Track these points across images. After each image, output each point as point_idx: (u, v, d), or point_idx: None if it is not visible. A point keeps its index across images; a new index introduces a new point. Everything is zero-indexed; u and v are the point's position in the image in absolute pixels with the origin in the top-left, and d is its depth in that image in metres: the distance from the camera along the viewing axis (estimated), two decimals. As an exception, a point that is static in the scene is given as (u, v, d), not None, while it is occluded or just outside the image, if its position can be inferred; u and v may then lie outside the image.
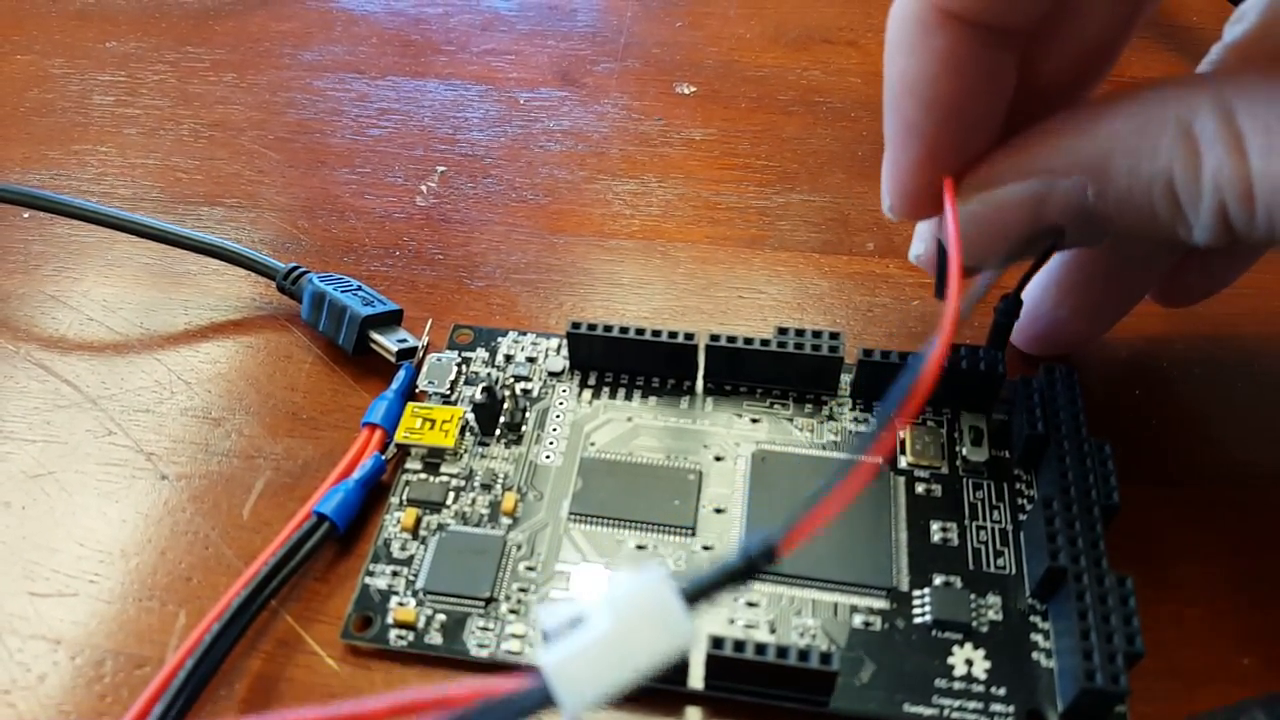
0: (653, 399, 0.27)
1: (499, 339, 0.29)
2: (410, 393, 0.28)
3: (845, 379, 0.27)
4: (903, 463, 0.26)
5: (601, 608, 0.17)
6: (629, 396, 0.28)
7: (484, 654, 0.23)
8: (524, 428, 0.27)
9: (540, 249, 0.33)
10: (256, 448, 0.27)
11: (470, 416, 0.27)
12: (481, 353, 0.29)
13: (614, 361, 0.28)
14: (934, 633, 0.23)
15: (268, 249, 0.32)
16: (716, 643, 0.21)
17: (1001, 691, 0.22)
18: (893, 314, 0.30)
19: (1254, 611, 0.23)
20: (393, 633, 0.23)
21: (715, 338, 0.26)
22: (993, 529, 0.24)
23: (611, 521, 0.25)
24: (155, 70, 0.40)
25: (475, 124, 0.37)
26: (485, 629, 0.23)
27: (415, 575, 0.24)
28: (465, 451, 0.27)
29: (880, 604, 0.23)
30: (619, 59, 0.40)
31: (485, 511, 0.25)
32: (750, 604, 0.23)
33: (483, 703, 0.16)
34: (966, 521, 0.25)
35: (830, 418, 0.27)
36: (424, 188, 0.35)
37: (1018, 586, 0.23)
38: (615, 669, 0.16)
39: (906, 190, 0.22)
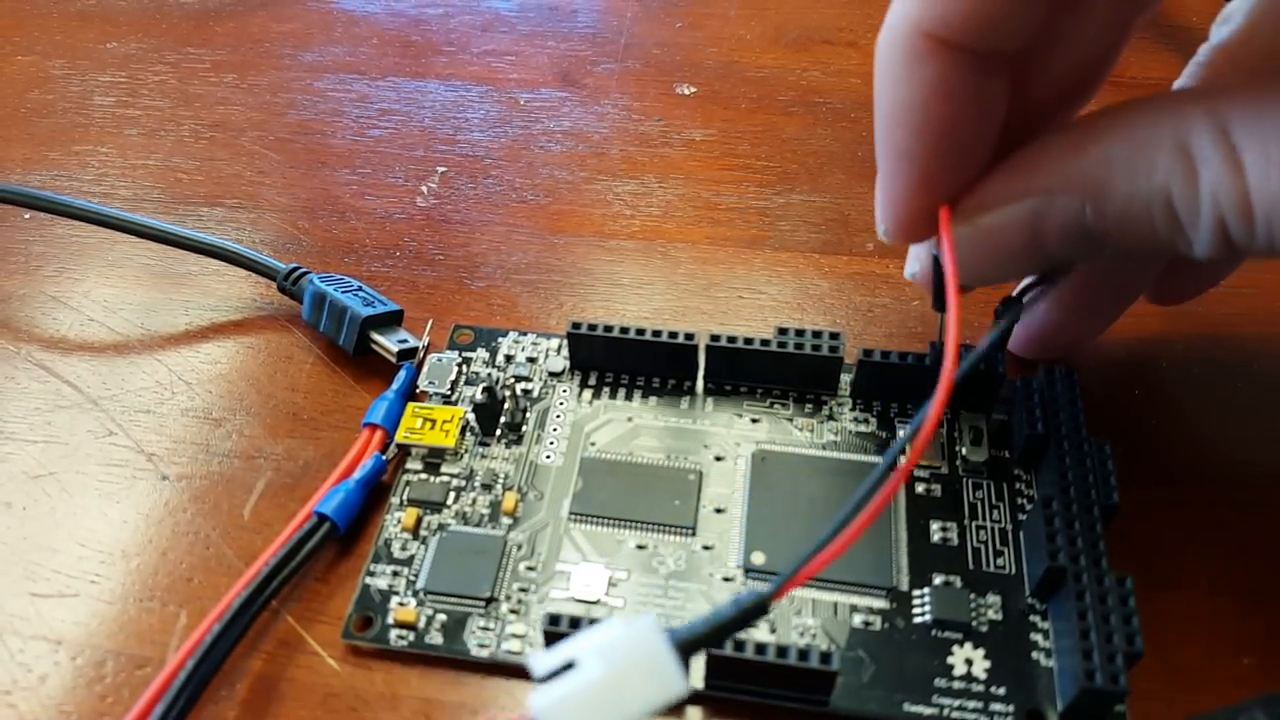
0: (653, 399, 0.27)
1: (499, 339, 0.29)
2: (411, 393, 0.28)
3: (845, 379, 0.27)
4: (903, 463, 0.26)
5: (593, 655, 0.17)
6: (629, 397, 0.28)
7: (484, 654, 0.23)
8: (524, 428, 0.27)
9: (541, 249, 0.33)
10: (257, 448, 0.27)
11: (471, 417, 0.27)
12: (482, 353, 0.29)
13: (614, 362, 0.28)
14: (934, 632, 0.23)
15: (268, 250, 0.32)
16: (717, 642, 0.21)
17: (1001, 691, 0.22)
18: (893, 314, 0.30)
19: (1254, 611, 0.23)
20: (393, 633, 0.23)
21: (715, 338, 0.26)
22: (992, 529, 0.24)
23: (612, 521, 0.25)
24: (156, 71, 0.40)
25: (476, 125, 0.37)
26: (486, 629, 0.23)
27: (416, 575, 0.24)
28: (466, 452, 0.27)
29: (880, 603, 0.23)
30: (619, 60, 0.40)
31: (486, 511, 0.25)
32: (750, 604, 0.23)
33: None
34: (966, 521, 0.25)
35: (830, 418, 0.27)
36: (424, 188, 0.35)
37: (1017, 586, 0.23)
38: (604, 716, 0.16)
39: (900, 216, 0.22)
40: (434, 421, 0.26)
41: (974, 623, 0.23)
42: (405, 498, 0.26)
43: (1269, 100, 0.18)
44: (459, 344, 0.29)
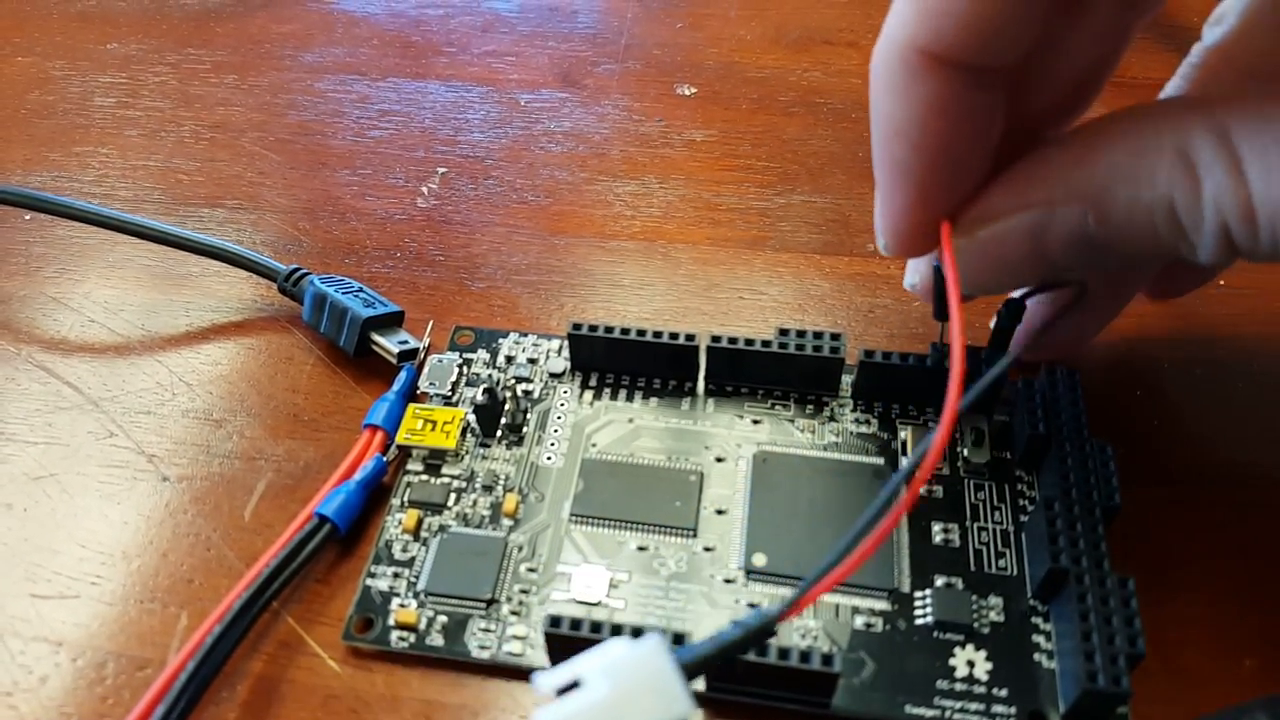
0: (654, 400, 0.27)
1: (500, 340, 0.29)
2: (411, 394, 0.28)
3: (846, 380, 0.27)
4: (904, 464, 0.26)
5: (599, 674, 0.17)
6: (630, 398, 0.28)
7: (485, 655, 0.23)
8: (525, 429, 0.27)
9: (541, 250, 0.33)
10: (258, 449, 0.27)
11: (471, 418, 0.27)
12: (483, 354, 0.29)
13: (615, 363, 0.28)
14: (935, 634, 0.23)
15: (269, 251, 0.32)
16: (718, 644, 0.21)
17: (1003, 693, 0.22)
18: (894, 315, 0.30)
19: (1256, 613, 0.23)
20: (394, 634, 0.23)
21: (716, 339, 0.26)
22: (994, 530, 0.24)
23: (613, 523, 0.25)
24: (156, 72, 0.40)
25: (476, 125, 0.37)
26: (487, 630, 0.23)
27: (416, 577, 0.24)
28: (466, 453, 0.27)
29: (882, 605, 0.23)
30: (620, 60, 0.40)
31: (486, 513, 0.25)
32: (752, 605, 0.23)
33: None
34: (968, 523, 0.25)
35: (831, 419, 0.27)
36: (425, 189, 0.35)
37: (1019, 587, 0.23)
38: None
39: (899, 230, 0.22)
40: (435, 423, 0.26)
41: (976, 624, 0.23)
42: (406, 499, 0.26)
43: (1269, 107, 0.18)
44: (460, 345, 0.29)
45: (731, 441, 0.26)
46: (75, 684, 0.23)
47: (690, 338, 0.26)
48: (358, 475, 0.25)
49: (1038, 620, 0.23)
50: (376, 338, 0.28)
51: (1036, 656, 0.22)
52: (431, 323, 0.30)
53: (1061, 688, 0.22)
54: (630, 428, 0.27)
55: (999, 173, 0.21)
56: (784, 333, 0.26)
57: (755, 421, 0.27)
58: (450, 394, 0.28)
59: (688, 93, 0.38)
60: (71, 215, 0.32)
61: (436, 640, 0.23)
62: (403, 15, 0.43)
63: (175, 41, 0.42)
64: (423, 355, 0.29)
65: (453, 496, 0.26)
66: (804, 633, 0.23)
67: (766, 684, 0.21)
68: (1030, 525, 0.24)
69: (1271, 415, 0.27)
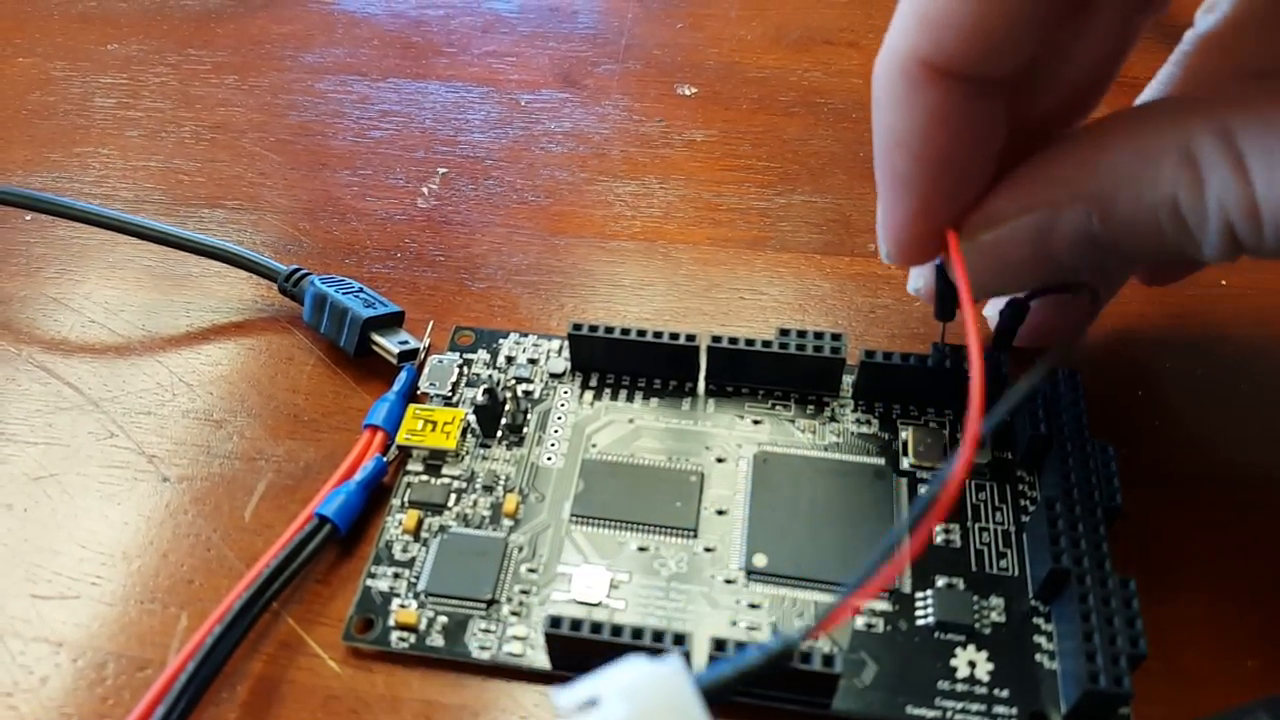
0: (654, 400, 0.27)
1: (500, 341, 0.29)
2: (412, 394, 0.28)
3: (847, 380, 0.27)
4: (905, 464, 0.26)
5: (617, 694, 0.17)
6: (630, 398, 0.27)
7: (485, 656, 0.23)
8: (525, 429, 0.27)
9: (541, 250, 0.33)
10: (258, 450, 0.27)
11: (472, 418, 0.27)
12: (483, 354, 0.29)
13: (615, 363, 0.28)
14: (937, 634, 0.23)
15: (269, 251, 0.32)
16: (719, 644, 0.21)
17: (1004, 693, 0.22)
18: (895, 315, 0.30)
19: (1258, 613, 0.23)
20: (394, 635, 0.23)
21: (717, 339, 0.26)
22: (995, 530, 0.24)
23: (613, 523, 0.25)
24: (157, 73, 0.40)
25: (476, 126, 0.37)
26: (487, 631, 0.23)
27: (417, 577, 0.24)
28: (467, 453, 0.27)
29: (883, 606, 0.23)
30: (620, 60, 0.40)
31: (487, 513, 0.25)
32: (753, 605, 0.23)
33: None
34: (969, 523, 0.24)
35: (832, 419, 0.27)
36: (425, 189, 0.35)
37: (1020, 588, 0.23)
38: None
39: (901, 239, 0.22)
40: (435, 423, 0.26)
41: (977, 625, 0.23)
42: (406, 499, 0.26)
43: (1271, 106, 0.18)
44: (460, 345, 0.29)
45: (732, 442, 0.26)
46: (75, 684, 0.23)
47: (691, 338, 0.26)
48: (358, 476, 0.25)
49: (1039, 621, 0.23)
50: (377, 338, 0.28)
51: (1038, 657, 0.22)
52: (432, 323, 0.30)
53: (1063, 688, 0.22)
54: (631, 428, 0.27)
55: (1003, 176, 0.21)
56: (785, 333, 0.26)
57: (756, 422, 0.27)
58: (450, 394, 0.28)
59: (688, 93, 0.38)
60: (72, 216, 0.32)
61: (437, 641, 0.23)
62: (403, 16, 0.43)
63: (176, 42, 0.42)
64: (423, 355, 0.29)
65: (453, 497, 0.26)
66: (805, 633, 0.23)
67: (767, 684, 0.21)
68: (1031, 526, 0.24)
69: (1273, 415, 0.27)
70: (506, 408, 0.27)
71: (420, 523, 0.25)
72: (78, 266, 0.33)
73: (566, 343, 0.28)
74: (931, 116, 0.20)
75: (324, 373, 0.29)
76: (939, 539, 0.24)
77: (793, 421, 0.27)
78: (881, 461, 0.26)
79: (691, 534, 0.25)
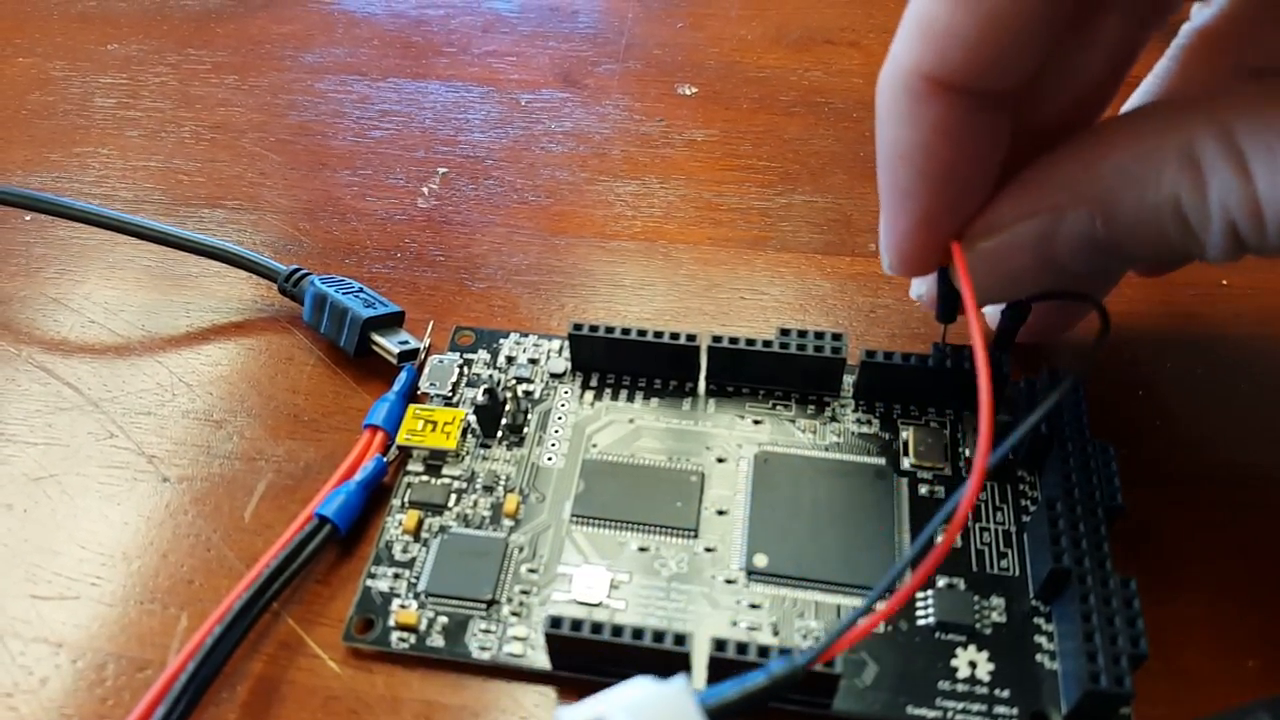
0: (655, 400, 0.27)
1: (500, 341, 0.29)
2: (412, 395, 0.28)
3: (848, 380, 0.27)
4: (906, 464, 0.26)
5: (622, 713, 0.17)
6: (631, 398, 0.27)
7: (485, 657, 0.23)
8: (526, 430, 0.27)
9: (542, 250, 0.33)
10: (258, 450, 0.27)
11: (472, 418, 0.27)
12: (483, 354, 0.29)
13: (616, 363, 0.28)
14: (937, 634, 0.23)
15: (269, 251, 0.32)
16: (719, 645, 0.21)
17: (1005, 693, 0.22)
18: (895, 315, 0.30)
19: (1259, 613, 0.23)
20: (394, 635, 0.23)
21: (717, 339, 0.26)
22: (996, 531, 0.24)
23: (613, 523, 0.25)
24: (157, 73, 0.40)
25: (477, 125, 0.37)
26: (487, 631, 0.23)
27: (417, 577, 0.24)
28: (467, 453, 0.27)
29: (883, 606, 0.23)
30: (620, 60, 0.40)
31: (487, 514, 0.25)
32: (753, 606, 0.23)
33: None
34: (970, 523, 0.24)
35: (833, 419, 0.27)
36: (425, 189, 0.35)
37: (1021, 588, 0.23)
38: None
39: (904, 251, 0.22)
40: (435, 423, 0.26)
41: (978, 625, 0.23)
42: (406, 500, 0.26)
43: (1271, 105, 0.18)
44: (460, 345, 0.29)
45: (732, 442, 0.26)
46: (75, 685, 0.23)
47: (691, 338, 0.26)
48: (358, 476, 0.25)
49: (1040, 621, 0.23)
50: (377, 338, 0.28)
51: (1039, 657, 0.22)
52: (432, 323, 0.30)
53: (1064, 689, 0.22)
54: (631, 428, 0.27)
55: (1005, 182, 0.21)
56: (785, 333, 0.26)
57: (756, 422, 0.27)
58: (451, 394, 0.28)
59: (689, 92, 0.38)
60: (72, 216, 0.32)
61: (437, 641, 0.23)
62: (403, 15, 0.43)
63: (176, 42, 0.42)
64: (423, 356, 0.29)
65: (453, 497, 0.26)
66: (805, 633, 0.23)
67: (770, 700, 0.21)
68: (1032, 526, 0.24)
69: (1273, 415, 0.27)
70: (507, 408, 0.27)
71: (420, 523, 0.25)
72: (77, 266, 0.33)
73: (567, 343, 0.28)
74: (935, 130, 0.20)
75: (324, 373, 0.29)
76: (939, 539, 0.24)
77: (793, 421, 0.27)
78: (882, 461, 0.26)
79: (692, 534, 0.25)
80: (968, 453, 0.26)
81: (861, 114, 0.37)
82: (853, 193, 0.34)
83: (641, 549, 0.24)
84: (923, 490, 0.25)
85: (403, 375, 0.28)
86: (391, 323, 0.29)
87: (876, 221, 0.23)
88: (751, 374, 0.27)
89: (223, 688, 0.23)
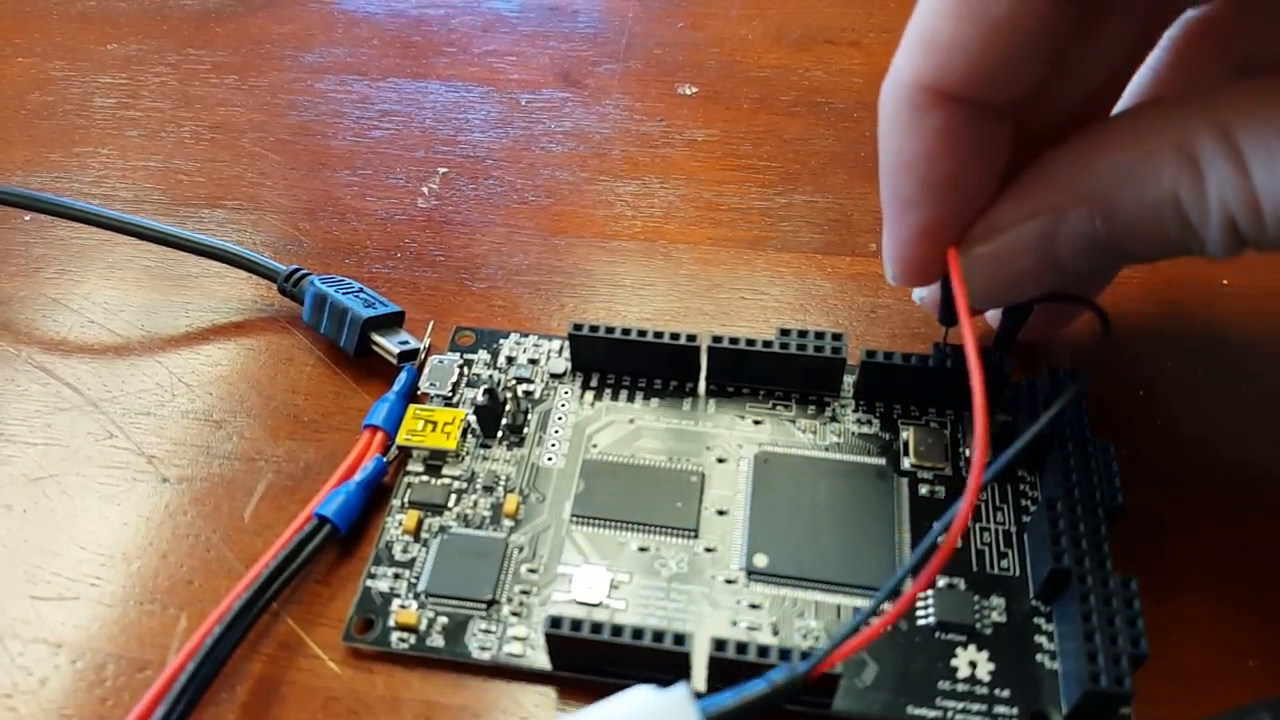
0: (655, 401, 0.27)
1: (501, 341, 0.29)
2: (412, 395, 0.28)
3: (848, 380, 0.27)
4: (906, 464, 0.26)
5: None
6: (631, 398, 0.27)
7: (485, 657, 0.23)
8: (526, 430, 0.27)
9: (542, 250, 0.33)
10: (258, 450, 0.27)
11: (472, 418, 0.27)
12: (483, 354, 0.29)
13: (616, 363, 0.28)
14: (938, 634, 0.23)
15: (269, 251, 0.32)
16: (719, 645, 0.21)
17: (1005, 693, 0.22)
18: (896, 315, 0.30)
19: (1260, 613, 0.23)
20: (394, 635, 0.23)
21: (717, 339, 0.26)
22: (997, 531, 0.24)
23: (614, 524, 0.25)
24: (156, 72, 0.40)
25: (477, 125, 0.37)
26: (487, 631, 0.23)
27: (417, 578, 0.24)
28: (467, 454, 0.26)
29: (883, 605, 0.23)
30: (620, 60, 0.40)
31: (487, 514, 0.25)
32: (753, 606, 0.23)
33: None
34: (970, 523, 0.24)
35: (833, 419, 0.27)
36: (425, 189, 0.35)
37: (1022, 588, 0.23)
38: None
39: (907, 260, 0.22)
40: (435, 423, 0.26)
41: (978, 625, 0.23)
42: (406, 500, 0.26)
43: (1267, 101, 0.18)
44: (460, 346, 0.29)
45: (733, 442, 0.26)
46: (75, 686, 0.23)
47: (691, 338, 0.26)
48: (358, 476, 0.25)
49: (1040, 621, 0.23)
50: (377, 338, 0.28)
51: (1039, 657, 0.22)
52: (432, 323, 0.30)
53: (1064, 689, 0.22)
54: (631, 428, 0.27)
55: (1005, 186, 0.21)
56: (785, 333, 0.26)
57: (757, 422, 0.27)
58: (451, 395, 0.28)
59: (689, 92, 0.38)
60: (71, 216, 0.32)
61: (437, 641, 0.23)
62: (403, 15, 0.43)
63: (175, 42, 0.42)
64: (423, 356, 0.29)
65: (453, 497, 0.26)
66: (805, 633, 0.23)
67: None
68: (1033, 526, 0.24)
69: (1273, 415, 0.27)
70: (507, 408, 0.27)
71: (420, 523, 0.25)
72: (77, 267, 0.33)
73: (567, 343, 0.28)
74: (937, 140, 0.20)
75: (324, 373, 0.29)
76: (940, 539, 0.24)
77: (793, 421, 0.27)
78: (882, 462, 0.26)
79: (692, 534, 0.25)
80: (968, 453, 0.26)
81: (862, 114, 0.37)
82: (853, 193, 0.34)
83: (641, 549, 0.24)
84: (923, 490, 0.25)
85: (403, 375, 0.28)
86: (391, 323, 0.29)
87: (877, 222, 0.23)
88: (752, 374, 0.27)
89: (222, 688, 0.23)
